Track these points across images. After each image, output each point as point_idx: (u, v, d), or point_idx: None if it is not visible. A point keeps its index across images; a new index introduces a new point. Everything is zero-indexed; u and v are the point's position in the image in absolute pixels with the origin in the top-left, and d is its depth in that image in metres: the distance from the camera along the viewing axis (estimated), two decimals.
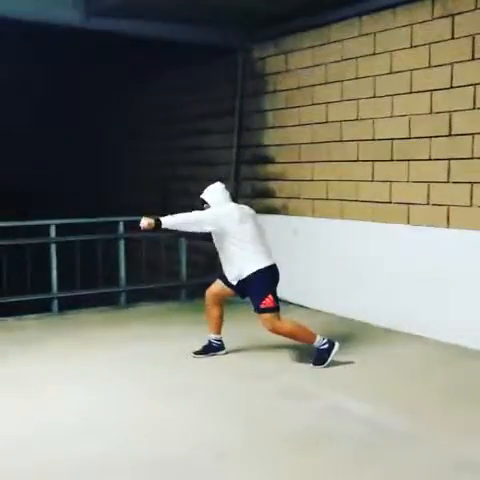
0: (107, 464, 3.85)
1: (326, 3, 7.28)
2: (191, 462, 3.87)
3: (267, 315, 5.48)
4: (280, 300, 5.65)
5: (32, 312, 7.65)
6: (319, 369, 5.52)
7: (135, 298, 8.40)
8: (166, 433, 4.31)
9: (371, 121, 7.18)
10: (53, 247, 7.75)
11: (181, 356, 5.93)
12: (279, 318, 5.54)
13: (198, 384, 5.28)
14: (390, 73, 6.95)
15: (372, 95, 7.15)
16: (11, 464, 3.87)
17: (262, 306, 5.47)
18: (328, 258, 7.71)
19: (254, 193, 8.96)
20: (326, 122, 7.74)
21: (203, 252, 9.31)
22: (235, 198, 9.23)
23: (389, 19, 6.92)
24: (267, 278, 5.58)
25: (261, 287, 5.52)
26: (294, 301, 7.85)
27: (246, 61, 8.92)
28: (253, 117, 8.90)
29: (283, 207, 8.47)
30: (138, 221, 8.35)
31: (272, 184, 8.64)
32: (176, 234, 8.56)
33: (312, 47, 7.89)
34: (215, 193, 5.93)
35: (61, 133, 13.56)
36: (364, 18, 7.19)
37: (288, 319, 5.70)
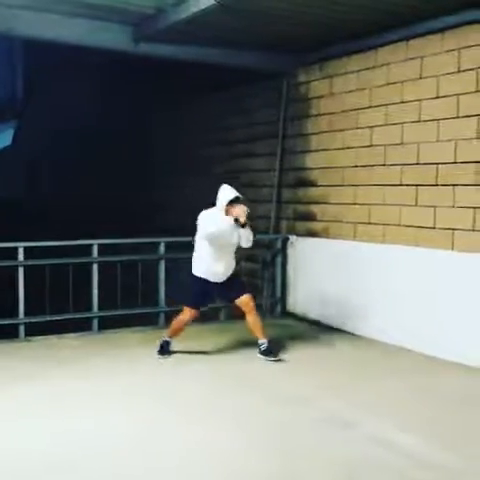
0: None
1: (372, 28, 7.27)
2: None
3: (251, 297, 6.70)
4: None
5: (73, 331, 7.70)
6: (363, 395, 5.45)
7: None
8: (197, 459, 4.26)
9: (416, 145, 7.11)
10: (95, 267, 7.81)
11: (216, 375, 5.90)
12: None
13: (230, 405, 5.22)
14: (436, 98, 6.88)
15: (417, 119, 7.09)
16: None
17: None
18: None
19: (296, 216, 8.93)
20: (370, 146, 7.69)
21: (243, 272, 9.30)
22: (277, 221, 9.25)
23: (436, 43, 6.87)
24: None
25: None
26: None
27: (290, 85, 8.94)
28: (296, 140, 8.89)
29: (324, 230, 8.41)
30: (179, 242, 8.46)
31: (314, 207, 8.60)
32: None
33: (357, 71, 7.87)
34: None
35: (111, 157, 13.79)
36: (411, 42, 7.16)
37: None
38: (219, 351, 6.95)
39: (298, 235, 8.82)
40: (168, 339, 6.74)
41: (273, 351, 6.62)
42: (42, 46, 11.62)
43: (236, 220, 6.43)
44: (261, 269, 9.29)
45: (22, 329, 7.50)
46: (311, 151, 8.64)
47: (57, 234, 8.09)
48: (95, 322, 7.85)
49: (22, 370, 6.19)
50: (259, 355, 6.59)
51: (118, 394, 5.52)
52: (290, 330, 8.09)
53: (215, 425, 4.82)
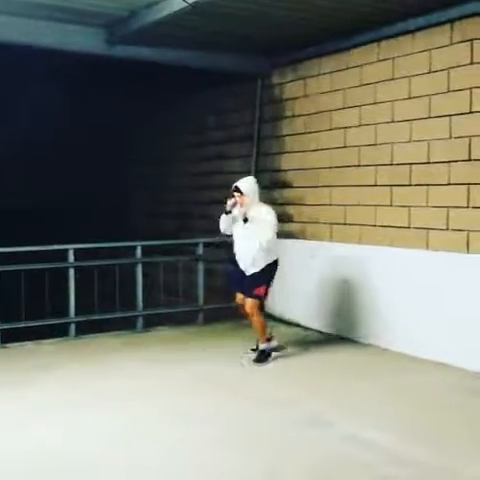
0: None
1: (344, 29, 7.32)
2: None
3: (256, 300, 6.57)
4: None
5: (50, 336, 7.64)
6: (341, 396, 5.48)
7: (153, 322, 8.38)
8: (181, 460, 4.26)
9: (390, 146, 7.17)
10: (71, 271, 7.76)
11: (198, 380, 5.90)
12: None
13: (215, 410, 5.22)
14: (409, 98, 6.94)
15: (390, 120, 7.15)
16: None
17: (257, 292, 6.54)
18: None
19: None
20: (344, 147, 7.74)
21: (220, 275, 9.32)
22: None
23: (408, 44, 6.93)
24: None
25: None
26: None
27: (265, 87, 8.97)
28: (271, 142, 8.92)
29: (301, 232, 8.44)
30: (155, 246, 8.45)
31: (290, 209, 8.63)
32: (194, 258, 8.62)
33: (330, 73, 7.92)
34: (254, 188, 6.69)
35: (85, 160, 13.68)
36: (383, 43, 7.22)
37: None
38: (204, 355, 6.92)
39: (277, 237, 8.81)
40: (265, 345, 6.66)
41: (267, 358, 6.62)
42: (15, 51, 11.53)
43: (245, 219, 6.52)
44: None
45: None
46: (286, 152, 8.67)
47: (26, 240, 7.97)
48: (72, 327, 7.80)
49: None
50: (252, 363, 6.56)
51: (95, 398, 5.49)
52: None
53: (196, 426, 4.81)
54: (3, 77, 18.21)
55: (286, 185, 8.69)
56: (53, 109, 14.60)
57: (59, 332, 7.81)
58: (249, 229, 6.48)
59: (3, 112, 19.36)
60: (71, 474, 4.07)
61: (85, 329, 7.91)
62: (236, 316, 8.78)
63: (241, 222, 6.51)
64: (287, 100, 8.63)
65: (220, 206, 9.78)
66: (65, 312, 7.81)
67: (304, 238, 8.39)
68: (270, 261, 6.59)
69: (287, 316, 8.51)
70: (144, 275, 8.20)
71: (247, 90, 9.21)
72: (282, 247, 8.55)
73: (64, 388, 5.80)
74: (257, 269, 6.54)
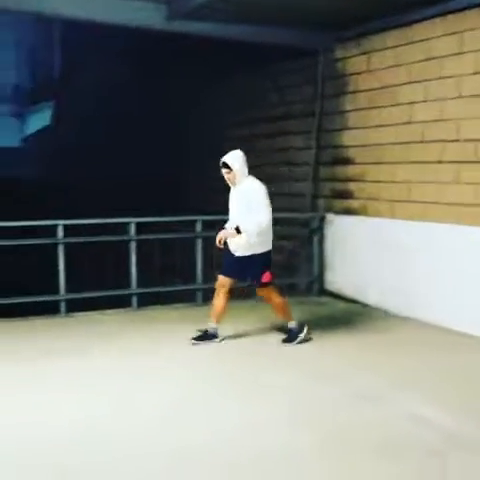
0: (181, 460, 3.89)
1: (409, 2, 7.15)
2: (260, 467, 3.84)
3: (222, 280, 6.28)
4: None
5: (112, 307, 7.84)
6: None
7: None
8: (231, 434, 4.33)
9: (456, 122, 7.01)
10: (133, 245, 7.92)
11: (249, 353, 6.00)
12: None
13: (268, 383, 5.27)
14: (476, 73, 6.75)
15: (457, 95, 6.98)
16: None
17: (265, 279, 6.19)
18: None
19: (333, 194, 8.90)
20: (409, 123, 7.60)
21: (280, 251, 9.33)
22: (313, 199, 9.23)
23: (475, 18, 6.73)
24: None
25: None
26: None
27: (327, 62, 8.87)
28: (333, 118, 8.84)
29: (362, 208, 8.37)
30: (215, 221, 8.49)
31: (351, 185, 8.56)
32: None
33: (395, 47, 7.76)
34: (240, 160, 6.22)
35: (148, 137, 13.86)
36: (449, 17, 7.03)
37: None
38: (253, 330, 6.98)
39: (335, 213, 8.79)
40: (292, 325, 6.45)
41: (205, 338, 6.32)
42: (80, 27, 11.73)
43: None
44: (298, 248, 9.30)
45: (63, 305, 7.66)
46: (348, 128, 8.58)
47: (96, 214, 8.18)
48: (134, 299, 7.97)
49: (62, 345, 6.33)
50: (196, 334, 6.34)
51: (155, 369, 5.61)
52: (327, 308, 8.12)
53: (249, 401, 4.88)
54: (71, 55, 18.57)
55: (348, 161, 8.61)
56: (118, 87, 14.88)
57: (121, 303, 8.01)
58: (240, 204, 6.12)
59: (73, 90, 19.78)
60: (126, 442, 4.20)
61: (146, 301, 8.07)
62: (297, 292, 8.87)
63: (232, 192, 6.22)
64: (350, 75, 8.52)
65: (281, 183, 9.84)
66: (127, 284, 7.99)
67: (365, 215, 8.31)
68: (265, 250, 6.16)
69: (345, 292, 8.48)
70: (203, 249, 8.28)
71: (308, 65, 9.12)
72: (342, 223, 8.56)
73: (125, 356, 5.95)
74: (248, 252, 6.10)
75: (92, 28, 10.87)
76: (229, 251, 6.19)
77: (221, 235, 6.10)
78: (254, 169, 10.44)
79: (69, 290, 7.68)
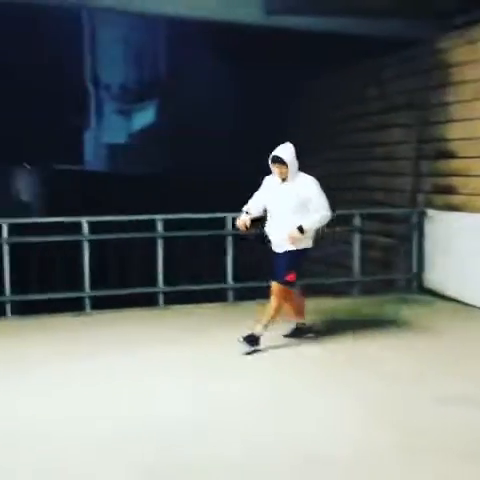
0: (260, 460, 3.87)
1: None
2: (340, 465, 3.76)
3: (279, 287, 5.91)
4: None
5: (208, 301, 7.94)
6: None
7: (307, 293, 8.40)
8: (317, 432, 4.26)
9: None
10: (230, 239, 7.95)
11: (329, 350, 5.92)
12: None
13: (344, 383, 5.16)
14: None
15: None
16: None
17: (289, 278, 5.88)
18: None
19: (434, 189, 8.61)
20: None
21: (378, 247, 9.16)
22: (413, 194, 8.98)
23: None
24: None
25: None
26: None
27: (430, 52, 8.57)
28: (436, 110, 8.53)
29: (465, 204, 8.04)
30: None
31: (454, 180, 8.24)
32: (350, 229, 8.48)
33: None
34: (294, 155, 5.86)
35: (245, 132, 13.94)
36: None
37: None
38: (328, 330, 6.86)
39: (436, 209, 8.50)
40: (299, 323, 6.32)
41: (253, 343, 5.87)
42: (184, 25, 11.94)
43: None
44: (397, 244, 9.07)
45: (161, 297, 7.82)
46: (452, 121, 8.26)
47: (205, 207, 8.23)
48: (230, 293, 8.02)
49: (161, 335, 6.48)
50: (241, 339, 5.87)
51: (245, 362, 5.64)
52: (425, 306, 7.87)
53: (335, 398, 4.80)
54: (175, 53, 18.95)
55: (450, 155, 8.30)
56: (219, 84, 15.06)
57: (216, 297, 8.09)
58: (292, 200, 5.77)
59: (176, 88, 20.21)
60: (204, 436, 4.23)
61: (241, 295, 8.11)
62: (395, 289, 8.67)
63: (279, 187, 5.84)
64: (454, 66, 8.20)
65: (380, 178, 9.63)
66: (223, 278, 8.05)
67: (468, 211, 7.98)
68: (304, 246, 5.89)
69: (445, 290, 8.18)
70: None
71: (411, 57, 8.87)
72: (443, 219, 8.26)
73: (220, 347, 6.01)
74: (289, 248, 5.80)
75: (195, 26, 11.06)
76: (277, 255, 5.90)
77: (292, 235, 5.71)
78: (353, 163, 10.38)
79: (167, 283, 7.82)
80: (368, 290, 8.55)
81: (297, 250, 5.83)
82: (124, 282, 7.82)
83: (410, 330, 6.63)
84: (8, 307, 7.22)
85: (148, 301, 7.80)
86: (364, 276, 8.58)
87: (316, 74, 11.02)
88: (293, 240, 5.74)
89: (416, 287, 8.69)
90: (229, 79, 14.45)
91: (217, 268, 8.04)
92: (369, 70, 9.80)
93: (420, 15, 8.09)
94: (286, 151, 5.81)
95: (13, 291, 7.22)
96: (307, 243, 5.92)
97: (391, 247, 9.17)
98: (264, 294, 6.84)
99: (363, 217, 8.47)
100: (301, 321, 6.30)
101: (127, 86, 37.45)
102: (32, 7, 9.00)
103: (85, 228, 7.42)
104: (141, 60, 36.00)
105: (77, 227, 7.41)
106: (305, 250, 5.93)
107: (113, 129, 36.20)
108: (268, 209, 5.97)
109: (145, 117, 30.02)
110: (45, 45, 36.81)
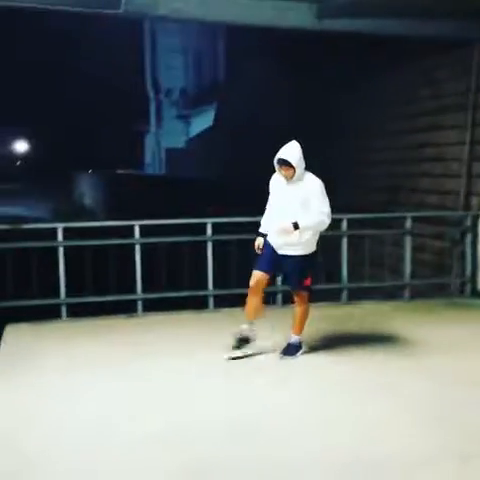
0: (308, 463, 3.91)
1: None
2: (392, 467, 3.78)
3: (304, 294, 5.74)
4: None
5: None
6: None
7: (356, 295, 8.37)
8: (370, 434, 4.28)
9: None
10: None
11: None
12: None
13: (400, 385, 5.14)
14: None
15: None
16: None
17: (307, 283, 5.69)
18: None
19: None
20: None
21: (430, 251, 9.05)
22: (466, 197, 8.83)
23: None
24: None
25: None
26: None
27: None
28: None
29: None
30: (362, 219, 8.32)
31: None
32: (401, 232, 8.42)
33: None
34: (300, 155, 5.52)
35: (297, 130, 13.98)
36: None
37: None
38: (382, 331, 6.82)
39: None
40: (298, 338, 5.87)
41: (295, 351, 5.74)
42: (241, 32, 12.12)
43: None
44: (450, 247, 8.94)
45: (211, 301, 7.92)
46: None
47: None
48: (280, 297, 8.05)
49: (209, 336, 6.54)
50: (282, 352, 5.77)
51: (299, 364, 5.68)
52: (476, 311, 7.74)
53: (387, 405, 4.78)
54: (233, 59, 19.19)
55: None
56: (274, 88, 15.15)
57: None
58: (297, 201, 5.48)
59: (234, 92, 20.42)
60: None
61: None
62: (447, 293, 8.53)
63: (285, 187, 5.55)
64: None
65: (431, 180, 9.52)
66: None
67: None
68: (314, 249, 5.66)
69: None
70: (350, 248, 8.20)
71: (463, 57, 8.75)
72: None
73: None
74: (298, 252, 5.56)
75: (252, 32, 11.24)
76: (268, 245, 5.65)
77: (284, 226, 5.47)
78: (403, 164, 10.27)
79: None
80: (420, 294, 8.46)
81: (306, 255, 5.59)
82: (174, 285, 7.95)
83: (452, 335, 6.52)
84: (64, 309, 7.44)
85: (198, 304, 7.90)
86: (415, 279, 8.49)
87: (370, 75, 10.98)
88: (281, 231, 5.49)
89: (470, 291, 8.54)
90: (284, 83, 14.54)
91: None
92: (421, 71, 9.70)
93: (472, 15, 7.96)
94: (292, 152, 5.49)
95: (68, 294, 7.44)
96: (312, 247, 5.64)
97: (444, 251, 9.04)
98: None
99: (414, 220, 8.39)
100: (298, 335, 5.84)
101: (187, 92, 37.99)
102: (93, 17, 9.33)
103: (137, 232, 7.60)
104: (201, 66, 36.44)
105: (131, 230, 7.59)
106: (315, 254, 5.69)
107: (172, 134, 36.82)
108: (273, 209, 5.71)
109: (203, 122, 30.41)
110: (109, 55, 37.70)
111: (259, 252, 5.71)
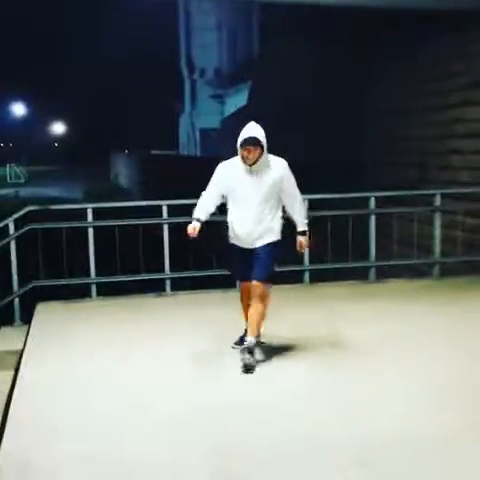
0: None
1: None
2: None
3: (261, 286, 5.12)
4: None
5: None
6: None
7: (386, 274, 8.34)
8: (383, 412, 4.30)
9: None
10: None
11: (419, 334, 5.84)
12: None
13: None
14: None
15: None
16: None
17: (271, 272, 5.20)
18: None
19: None
20: None
21: (461, 228, 8.93)
22: None
23: None
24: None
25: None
26: None
27: None
28: None
29: None
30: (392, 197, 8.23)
31: None
32: (430, 209, 8.33)
33: None
34: (264, 133, 5.02)
35: (322, 116, 13.87)
36: None
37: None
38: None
39: None
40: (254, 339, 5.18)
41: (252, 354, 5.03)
42: (275, 9, 12.00)
43: None
44: None
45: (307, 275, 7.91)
46: None
47: None
48: (306, 274, 8.05)
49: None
50: (234, 345, 5.42)
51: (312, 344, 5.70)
52: None
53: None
54: (267, 37, 19.09)
55: None
56: (307, 68, 15.02)
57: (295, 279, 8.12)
58: (266, 186, 5.02)
59: (268, 70, 20.30)
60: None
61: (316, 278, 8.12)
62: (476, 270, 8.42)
63: (245, 175, 5.02)
64: None
65: (462, 156, 9.34)
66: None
67: None
68: (280, 237, 5.19)
69: None
70: (378, 226, 8.15)
71: None
72: None
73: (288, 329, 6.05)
74: (271, 239, 5.11)
75: (282, 9, 11.19)
76: (234, 247, 5.23)
77: (306, 243, 5.30)
78: (435, 141, 10.09)
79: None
80: (451, 272, 8.37)
81: (277, 241, 5.16)
82: (201, 265, 8.00)
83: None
84: (94, 288, 7.57)
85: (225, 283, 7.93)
86: (445, 257, 8.40)
87: (400, 53, 10.81)
88: (304, 247, 5.34)
89: None
90: (315, 60, 14.39)
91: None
92: (453, 46, 9.51)
93: None
94: (259, 131, 4.95)
95: (98, 273, 7.56)
96: (280, 233, 5.20)
97: (477, 228, 8.92)
98: None
99: (443, 196, 8.28)
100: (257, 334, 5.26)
101: (221, 71, 37.83)
102: None
103: (164, 211, 7.66)
104: (235, 45, 36.22)
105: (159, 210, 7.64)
106: (282, 241, 5.23)
107: (207, 114, 36.77)
108: (234, 200, 5.14)
109: (238, 101, 30.26)
110: (144, 36, 37.71)
111: (193, 235, 5.13)
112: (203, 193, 5.28)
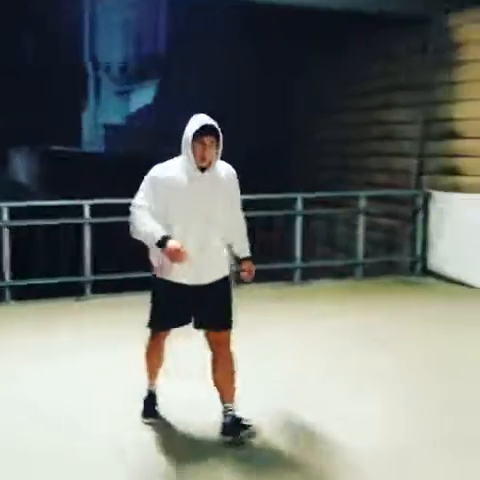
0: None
1: None
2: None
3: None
4: None
5: None
6: None
7: (310, 275, 8.30)
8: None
9: None
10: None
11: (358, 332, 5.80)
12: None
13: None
14: None
15: None
16: None
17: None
18: None
19: (440, 170, 8.45)
20: None
21: (381, 229, 9.05)
22: (418, 175, 8.83)
23: None
24: None
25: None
26: None
27: (439, 30, 8.36)
28: (443, 90, 8.34)
29: (472, 186, 7.89)
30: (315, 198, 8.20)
31: (461, 161, 8.08)
32: (355, 211, 8.39)
33: None
34: None
35: (250, 112, 13.69)
36: None
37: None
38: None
39: (442, 191, 8.34)
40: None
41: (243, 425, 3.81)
42: (182, 4, 11.68)
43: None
44: (401, 226, 8.94)
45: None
46: (460, 101, 8.08)
47: None
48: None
49: None
50: (225, 438, 3.82)
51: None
52: (429, 289, 7.82)
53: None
54: (176, 32, 18.66)
55: (458, 136, 8.13)
56: (220, 63, 14.80)
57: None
58: (220, 199, 3.78)
59: (177, 67, 19.78)
60: None
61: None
62: (397, 272, 8.56)
63: (188, 183, 3.69)
64: (464, 44, 8.00)
65: (383, 158, 9.43)
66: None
67: (475, 192, 7.82)
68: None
69: (450, 273, 8.05)
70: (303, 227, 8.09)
71: (417, 34, 8.66)
72: (450, 201, 8.08)
73: None
74: (222, 274, 3.82)
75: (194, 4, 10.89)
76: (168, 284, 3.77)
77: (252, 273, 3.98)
78: (354, 143, 10.15)
79: None
80: (371, 272, 8.45)
81: (228, 275, 3.89)
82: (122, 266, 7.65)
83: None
84: (7, 293, 7.08)
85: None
86: (367, 258, 8.47)
87: (322, 52, 10.79)
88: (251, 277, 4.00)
89: (420, 270, 8.56)
90: (232, 57, 14.18)
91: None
92: (374, 48, 9.56)
93: None
94: (212, 120, 3.75)
95: (13, 276, 7.07)
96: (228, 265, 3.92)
97: (395, 229, 9.05)
98: None
99: (368, 199, 8.34)
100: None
101: (126, 67, 37.14)
102: None
103: (86, 211, 7.25)
104: (141, 41, 35.59)
105: (76, 210, 7.23)
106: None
107: (111, 110, 36.00)
108: (173, 217, 3.71)
109: (143, 97, 29.73)
110: (44, 27, 36.41)
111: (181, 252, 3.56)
112: (135, 210, 3.74)
